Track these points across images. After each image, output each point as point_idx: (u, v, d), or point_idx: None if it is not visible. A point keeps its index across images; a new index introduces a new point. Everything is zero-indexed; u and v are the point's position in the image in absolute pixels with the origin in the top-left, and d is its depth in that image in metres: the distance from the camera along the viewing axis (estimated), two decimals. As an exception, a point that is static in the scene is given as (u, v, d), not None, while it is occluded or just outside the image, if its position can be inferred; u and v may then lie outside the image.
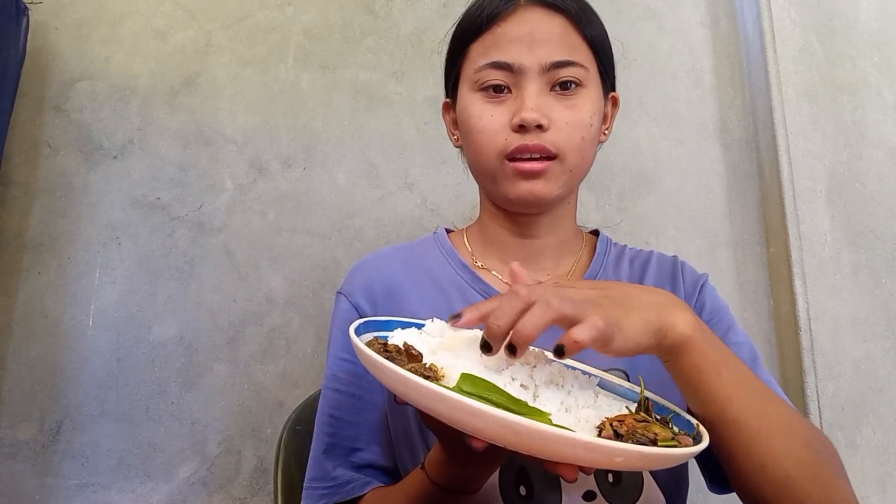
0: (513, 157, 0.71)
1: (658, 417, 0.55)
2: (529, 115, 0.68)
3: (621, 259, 0.84)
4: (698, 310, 0.78)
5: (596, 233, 0.87)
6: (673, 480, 0.74)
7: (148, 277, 1.24)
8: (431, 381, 0.47)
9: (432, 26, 1.41)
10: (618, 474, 0.70)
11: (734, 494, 0.63)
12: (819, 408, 1.26)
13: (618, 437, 0.48)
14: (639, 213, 1.41)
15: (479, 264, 0.81)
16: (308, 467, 0.76)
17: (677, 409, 0.58)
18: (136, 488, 1.16)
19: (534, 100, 0.69)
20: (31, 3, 1.25)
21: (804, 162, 1.37)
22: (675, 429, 0.54)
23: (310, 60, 1.36)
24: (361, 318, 0.74)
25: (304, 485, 0.75)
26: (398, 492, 0.67)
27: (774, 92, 1.39)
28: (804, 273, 1.31)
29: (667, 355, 0.56)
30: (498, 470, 0.68)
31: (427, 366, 0.51)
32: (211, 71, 1.33)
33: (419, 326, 0.60)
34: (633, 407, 0.56)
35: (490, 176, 0.74)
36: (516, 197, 0.73)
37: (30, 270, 1.21)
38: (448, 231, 0.87)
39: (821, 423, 1.26)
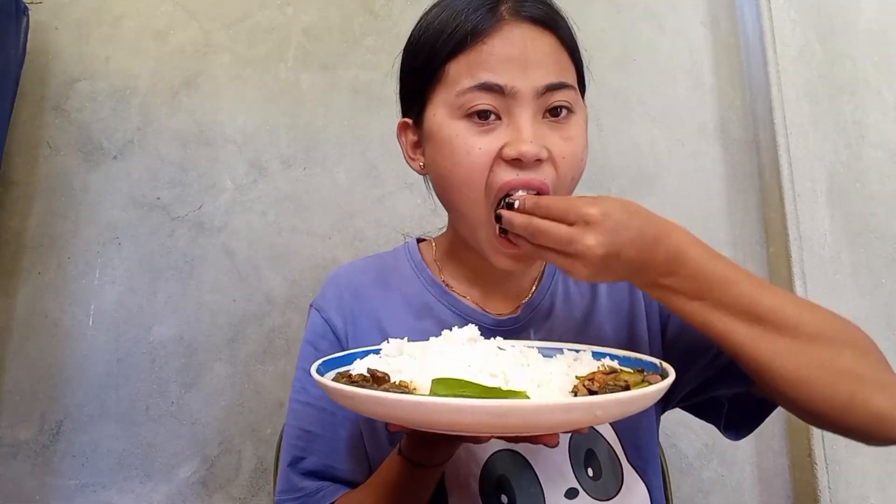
0: (502, 204, 0.64)
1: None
2: (529, 150, 0.61)
3: None
4: (664, 316, 0.77)
5: None
6: (648, 466, 0.75)
7: (148, 277, 1.24)
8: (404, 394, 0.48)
9: (432, 26, 1.41)
10: (597, 469, 0.71)
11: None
12: (819, 408, 1.26)
13: (592, 394, 0.50)
14: (639, 213, 1.41)
15: (448, 282, 0.79)
16: (277, 480, 0.76)
17: (635, 354, 0.60)
18: (136, 488, 1.16)
19: (530, 129, 0.62)
20: (31, 3, 1.25)
21: (804, 162, 1.37)
22: (643, 371, 0.57)
23: (310, 60, 1.36)
24: (333, 332, 0.76)
25: (275, 498, 0.75)
26: (370, 484, 0.68)
27: (774, 92, 1.39)
28: (804, 273, 1.31)
29: (666, 269, 0.60)
30: (478, 480, 0.69)
31: (397, 383, 0.52)
32: (211, 71, 1.33)
33: (377, 352, 0.61)
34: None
35: (471, 227, 0.68)
36: (498, 265, 0.69)
37: (30, 270, 1.21)
38: (419, 240, 0.85)
39: (821, 423, 1.26)
